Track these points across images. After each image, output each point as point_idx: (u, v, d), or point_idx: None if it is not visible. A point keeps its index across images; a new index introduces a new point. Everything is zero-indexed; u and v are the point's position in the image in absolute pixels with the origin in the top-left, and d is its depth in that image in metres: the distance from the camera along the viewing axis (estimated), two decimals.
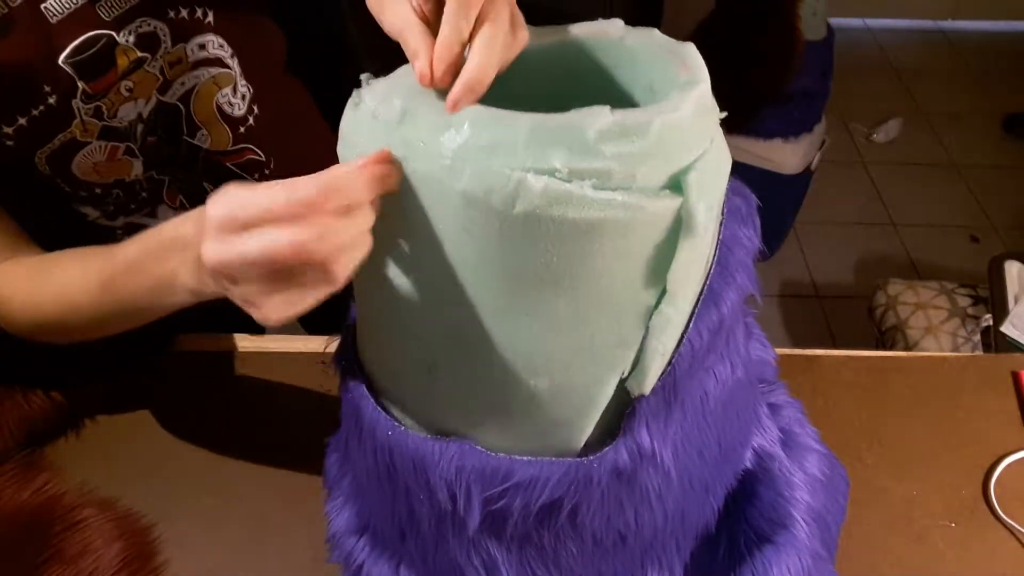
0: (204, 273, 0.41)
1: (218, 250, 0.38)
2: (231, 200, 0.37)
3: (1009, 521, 0.69)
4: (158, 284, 0.48)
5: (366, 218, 0.38)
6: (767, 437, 0.58)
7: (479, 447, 0.46)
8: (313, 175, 0.37)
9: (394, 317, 0.45)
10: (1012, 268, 1.31)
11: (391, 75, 0.43)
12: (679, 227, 0.38)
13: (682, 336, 0.44)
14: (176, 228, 0.46)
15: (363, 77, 0.42)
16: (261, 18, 0.78)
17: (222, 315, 0.95)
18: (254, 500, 0.72)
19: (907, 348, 1.37)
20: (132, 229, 0.71)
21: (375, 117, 0.40)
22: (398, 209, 0.40)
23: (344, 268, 0.37)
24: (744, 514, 0.55)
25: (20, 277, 0.60)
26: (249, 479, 0.73)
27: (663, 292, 0.40)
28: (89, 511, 0.68)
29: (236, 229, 0.37)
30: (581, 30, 0.47)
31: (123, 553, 0.66)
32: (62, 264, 0.58)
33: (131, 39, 0.61)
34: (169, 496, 0.72)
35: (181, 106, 0.67)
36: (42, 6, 0.56)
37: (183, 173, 0.71)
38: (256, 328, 1.09)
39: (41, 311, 0.58)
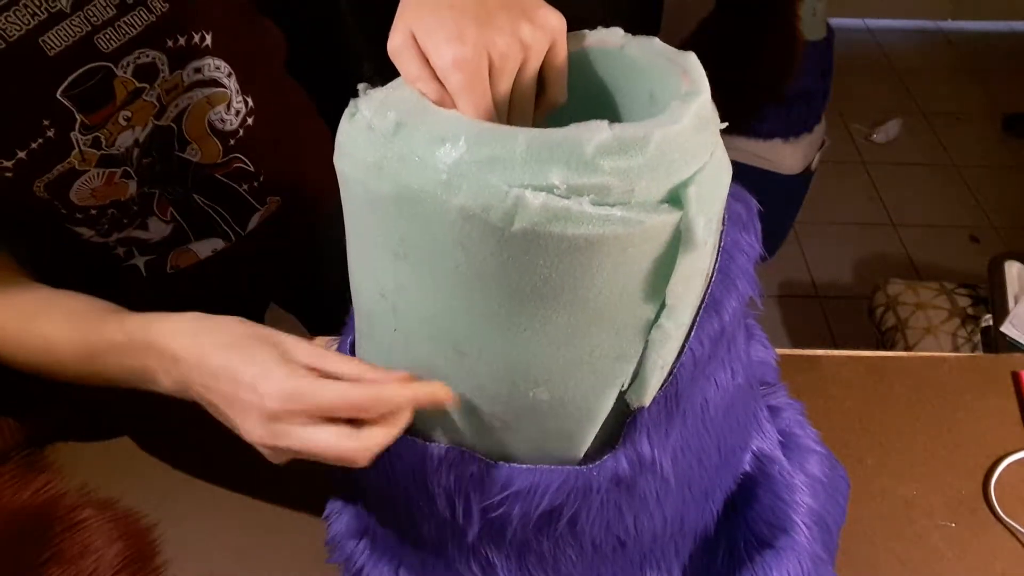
0: (193, 397, 0.49)
1: (273, 432, 0.43)
2: (287, 391, 0.43)
3: (1009, 521, 0.69)
4: (138, 374, 0.53)
5: (399, 425, 0.44)
6: (767, 440, 0.58)
7: (478, 455, 0.45)
8: (369, 377, 0.44)
9: (391, 327, 0.45)
10: (1012, 268, 1.31)
11: (387, 85, 0.42)
12: (678, 241, 0.37)
13: (683, 347, 0.44)
14: (165, 343, 0.49)
15: (360, 87, 0.42)
16: (259, 24, 0.77)
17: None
18: (254, 501, 0.72)
19: (907, 348, 1.37)
20: (125, 243, 0.71)
21: (370, 128, 0.39)
22: (393, 222, 0.39)
23: (366, 462, 0.43)
24: (744, 518, 0.55)
25: (9, 314, 0.60)
26: (249, 480, 0.73)
27: (663, 305, 0.40)
28: (89, 512, 0.68)
29: (290, 418, 0.43)
30: (581, 40, 0.46)
31: (123, 554, 0.65)
32: (51, 315, 0.59)
33: (129, 71, 0.60)
34: (169, 496, 0.72)
35: (174, 126, 0.67)
36: (40, 39, 0.55)
37: (173, 186, 0.71)
38: None
39: (28, 356, 0.60)
